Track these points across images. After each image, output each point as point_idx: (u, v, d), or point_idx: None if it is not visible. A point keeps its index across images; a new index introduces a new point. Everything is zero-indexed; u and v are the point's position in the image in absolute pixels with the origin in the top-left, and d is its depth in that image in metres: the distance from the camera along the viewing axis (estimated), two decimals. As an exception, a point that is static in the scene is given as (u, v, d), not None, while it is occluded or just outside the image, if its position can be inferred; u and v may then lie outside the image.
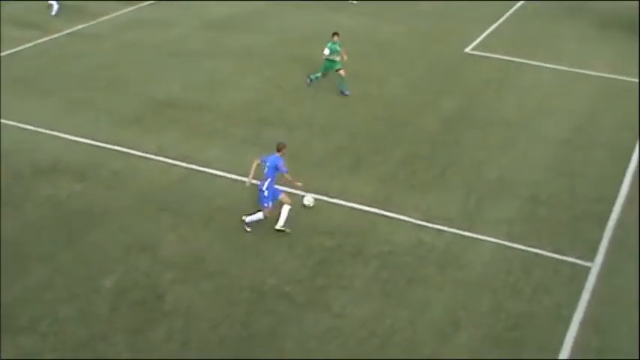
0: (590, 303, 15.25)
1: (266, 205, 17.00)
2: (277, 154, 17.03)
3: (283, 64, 27.34)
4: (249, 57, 28.00)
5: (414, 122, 22.82)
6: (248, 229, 17.15)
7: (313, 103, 24.17)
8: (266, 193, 16.92)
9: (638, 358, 13.91)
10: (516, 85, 26.20)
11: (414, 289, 15.55)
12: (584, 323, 14.68)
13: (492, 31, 31.64)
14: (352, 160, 20.58)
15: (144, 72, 26.28)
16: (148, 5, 34.03)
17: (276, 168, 16.82)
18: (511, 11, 34.40)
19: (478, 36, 30.82)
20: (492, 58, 28.59)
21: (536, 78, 26.92)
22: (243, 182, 18.10)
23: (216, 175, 19.56)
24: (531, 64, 28.02)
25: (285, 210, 17.07)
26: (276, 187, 17.18)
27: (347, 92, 24.48)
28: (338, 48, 24.22)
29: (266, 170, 16.87)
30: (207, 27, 31.37)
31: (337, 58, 24.28)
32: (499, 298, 15.32)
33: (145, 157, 20.32)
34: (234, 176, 19.45)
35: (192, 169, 19.80)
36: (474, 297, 15.35)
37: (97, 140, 21.07)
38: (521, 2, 35.61)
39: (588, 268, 16.29)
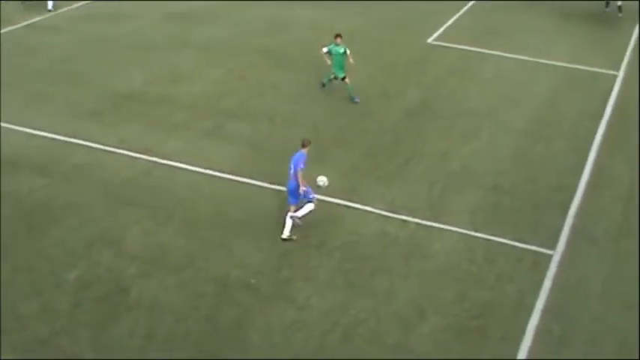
0: (552, 291, 15.41)
1: (312, 196, 16.70)
2: (302, 150, 16.78)
3: (246, 56, 27.22)
4: (211, 49, 27.85)
5: (378, 113, 22.87)
6: (298, 221, 16.57)
7: (276, 95, 24.10)
8: (301, 192, 16.51)
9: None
10: (479, 76, 26.35)
11: (378, 279, 15.60)
12: (546, 311, 14.84)
13: (455, 22, 31.77)
14: (316, 152, 20.40)
15: (104, 65, 26.00)
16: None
17: (294, 165, 16.51)
18: (473, 2, 34.55)
19: (441, 26, 30.92)
20: (455, 48, 28.71)
21: (498, 68, 27.10)
22: (206, 174, 18.05)
23: (179, 168, 19.44)
24: (493, 54, 28.19)
25: (290, 221, 16.63)
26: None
27: (357, 99, 23.34)
28: (340, 50, 22.95)
29: (291, 170, 16.54)
30: (168, 19, 31.12)
31: (329, 62, 23.22)
32: (463, 288, 15.42)
33: (107, 151, 20.13)
34: (197, 169, 19.36)
35: (154, 162, 19.66)
36: (438, 286, 15.44)
37: (57, 134, 20.83)
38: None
39: (550, 256, 16.46)
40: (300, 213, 16.66)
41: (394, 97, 24.16)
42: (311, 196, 16.77)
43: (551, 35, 30.58)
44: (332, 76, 23.48)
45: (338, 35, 23.09)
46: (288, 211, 16.72)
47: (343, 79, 23.23)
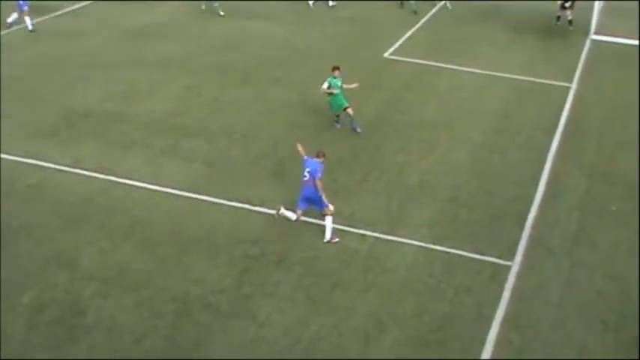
0: (510, 301, 15.52)
1: (326, 205, 17.07)
2: (317, 160, 17.39)
3: (202, 73, 27.13)
4: (166, 66, 27.71)
5: (335, 128, 22.89)
6: (336, 239, 17.16)
7: (233, 111, 24.03)
8: (319, 197, 17.09)
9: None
10: (434, 89, 26.55)
11: (338, 294, 15.57)
12: (505, 321, 14.93)
13: (410, 36, 32.01)
14: (274, 167, 20.54)
15: (58, 83, 25.74)
16: (61, 15, 33.35)
17: (314, 173, 17.08)
18: (428, 16, 34.86)
19: (397, 41, 31.12)
20: (411, 62, 28.91)
21: (453, 81, 27.33)
22: (163, 192, 17.96)
23: (135, 186, 19.27)
24: (449, 68, 28.44)
25: (329, 221, 17.15)
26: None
27: (358, 129, 22.49)
28: (339, 83, 22.32)
29: (307, 177, 17.10)
30: (124, 36, 30.94)
31: (336, 92, 22.29)
32: (422, 300, 15.46)
33: (62, 170, 19.90)
34: (154, 187, 19.21)
35: (111, 181, 19.47)
36: (398, 300, 15.46)
37: (10, 154, 20.53)
38: (438, 7, 36.12)
39: (508, 267, 16.58)
40: (329, 231, 17.14)
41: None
42: (326, 205, 17.11)
43: (505, 48, 30.95)
44: (338, 111, 22.64)
45: (336, 68, 22.29)
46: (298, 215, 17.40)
47: (346, 108, 22.43)
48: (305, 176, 17.20)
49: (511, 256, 16.93)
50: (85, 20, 32.38)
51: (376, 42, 30.88)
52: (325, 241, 17.16)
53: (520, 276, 16.31)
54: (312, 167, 17.19)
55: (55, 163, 20.18)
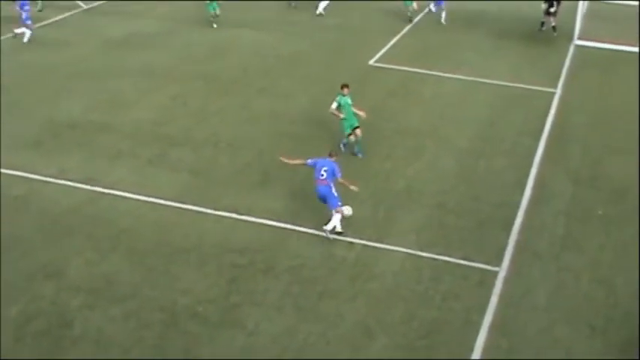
0: (498, 307, 15.54)
1: (340, 204, 17.62)
2: (331, 159, 18.04)
3: (188, 82, 27.12)
4: (152, 75, 27.68)
5: (321, 136, 22.90)
6: (341, 230, 17.65)
7: (219, 120, 24.02)
8: (335, 194, 17.67)
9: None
10: (420, 96, 26.63)
11: (326, 302, 15.56)
12: (493, 327, 14.95)
13: (395, 43, 32.11)
14: (260, 177, 20.53)
15: (43, 94, 25.66)
16: (45, 25, 33.26)
17: (333, 173, 17.74)
18: (411, 24, 34.97)
19: (382, 48, 31.21)
20: (396, 69, 29.00)
21: (438, 88, 27.43)
22: (150, 202, 17.94)
23: (122, 197, 19.21)
24: (433, 75, 28.53)
25: (337, 217, 17.65)
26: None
27: (360, 155, 21.36)
28: (350, 101, 21.15)
29: (324, 176, 17.68)
30: (108, 46, 30.90)
31: (342, 115, 21.23)
32: (410, 307, 15.47)
33: (47, 181, 19.81)
34: (140, 197, 19.16)
35: (97, 192, 19.40)
36: (386, 307, 15.46)
37: (-4, 166, 20.48)
38: (422, 15, 36.25)
39: (496, 273, 16.61)
40: (331, 225, 17.53)
41: (337, 119, 24.17)
42: (339, 203, 17.64)
43: (490, 54, 31.09)
44: (349, 131, 21.41)
45: (345, 85, 21.30)
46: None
47: (355, 129, 21.30)
48: (321, 175, 17.76)
49: (498, 262, 16.97)
50: (71, 30, 32.30)
51: (361, 49, 30.96)
52: (325, 228, 17.47)
53: (507, 281, 16.35)
54: (329, 166, 17.81)
55: (40, 175, 20.10)
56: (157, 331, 14.60)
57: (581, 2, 32.87)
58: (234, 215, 18.48)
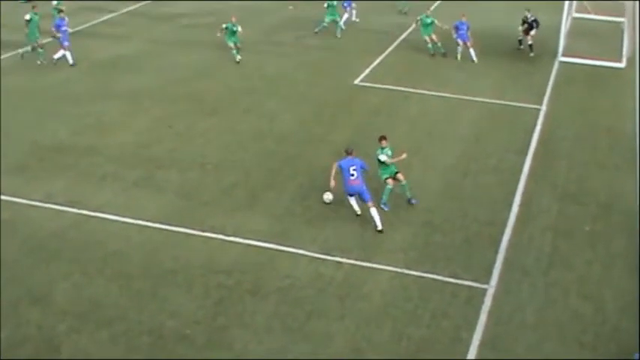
0: (487, 324, 15.51)
1: (370, 196, 18.81)
2: (353, 157, 18.97)
3: (173, 104, 27.11)
4: (137, 98, 27.66)
5: (307, 156, 22.93)
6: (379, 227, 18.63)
7: (205, 141, 23.99)
8: (366, 187, 18.85)
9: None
10: (405, 114, 26.70)
11: (314, 322, 15.50)
12: (482, 344, 14.91)
13: (379, 63, 32.22)
14: (247, 197, 20.49)
15: (28, 118, 25.57)
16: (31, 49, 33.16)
17: (362, 168, 18.92)
18: (396, 43, 35.14)
19: (366, 67, 31.32)
20: (381, 88, 29.08)
21: (424, 106, 27.51)
22: (136, 224, 17.89)
23: (108, 220, 19.13)
24: (418, 93, 28.63)
25: (375, 212, 18.73)
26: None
27: (414, 201, 20.11)
28: (390, 152, 19.83)
29: (355, 175, 18.74)
30: (94, 69, 30.89)
31: (387, 161, 19.81)
32: (399, 326, 15.42)
33: (33, 205, 19.70)
34: (127, 219, 19.08)
35: (83, 215, 19.31)
36: (375, 326, 15.41)
37: (-20, 190, 20.34)
38: (405, 34, 36.40)
39: (484, 290, 16.60)
40: (378, 219, 18.67)
41: (323, 139, 24.28)
42: (371, 195, 18.87)
43: (474, 72, 31.24)
44: (386, 176, 20.00)
45: (383, 138, 19.91)
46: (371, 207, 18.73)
47: (396, 174, 20.03)
48: (352, 175, 18.73)
49: (487, 279, 16.96)
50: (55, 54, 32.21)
51: (346, 69, 31.06)
52: (380, 229, 18.56)
53: (496, 298, 16.33)
54: (356, 164, 18.82)
55: (26, 199, 19.99)
56: (144, 354, 14.48)
57: (564, 19, 33.08)
58: (221, 236, 18.42)
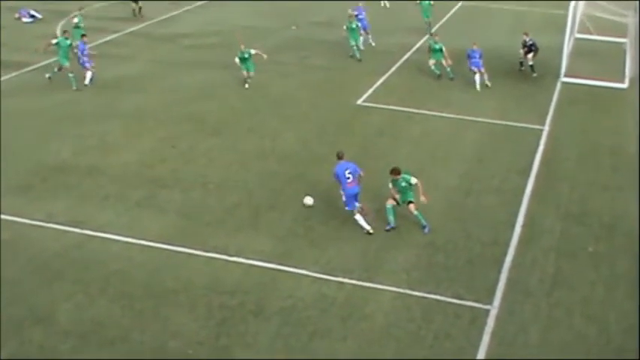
0: (490, 345, 15.46)
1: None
2: (345, 161, 19.57)
3: (176, 124, 27.17)
4: (140, 118, 27.74)
5: (309, 176, 22.93)
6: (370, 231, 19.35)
7: (207, 161, 24.02)
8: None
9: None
10: (408, 135, 26.73)
11: (317, 342, 15.45)
12: (486, 365, 14.89)
13: (382, 83, 32.30)
14: (249, 217, 20.49)
15: (31, 138, 25.63)
16: (33, 70, 33.31)
17: (356, 170, 19.50)
18: (399, 63, 35.24)
19: (369, 88, 31.39)
20: (383, 109, 29.14)
21: (426, 126, 27.54)
22: (139, 244, 17.91)
23: (111, 240, 19.13)
24: (421, 113, 28.68)
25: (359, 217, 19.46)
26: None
27: (427, 229, 19.77)
28: (412, 181, 19.75)
29: (351, 178, 19.28)
30: (97, 89, 30.95)
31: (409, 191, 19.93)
32: (402, 347, 15.37)
33: (36, 225, 19.71)
34: (129, 239, 19.08)
35: (85, 235, 19.31)
36: (378, 347, 15.36)
37: (-17, 210, 20.36)
38: (408, 55, 36.53)
39: (487, 311, 16.55)
40: (363, 224, 19.44)
41: (325, 159, 24.16)
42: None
43: (477, 93, 31.26)
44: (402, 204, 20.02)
45: (396, 172, 19.92)
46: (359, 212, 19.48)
47: (410, 202, 19.97)
48: (348, 178, 19.25)
49: (490, 300, 16.91)
50: (60, 73, 32.28)
51: (349, 89, 31.13)
52: (371, 232, 19.28)
53: (499, 319, 16.28)
54: (350, 167, 19.38)
55: (28, 219, 20.00)
56: (146, 375, 14.46)
57: (567, 40, 33.18)
58: (223, 256, 18.40)
